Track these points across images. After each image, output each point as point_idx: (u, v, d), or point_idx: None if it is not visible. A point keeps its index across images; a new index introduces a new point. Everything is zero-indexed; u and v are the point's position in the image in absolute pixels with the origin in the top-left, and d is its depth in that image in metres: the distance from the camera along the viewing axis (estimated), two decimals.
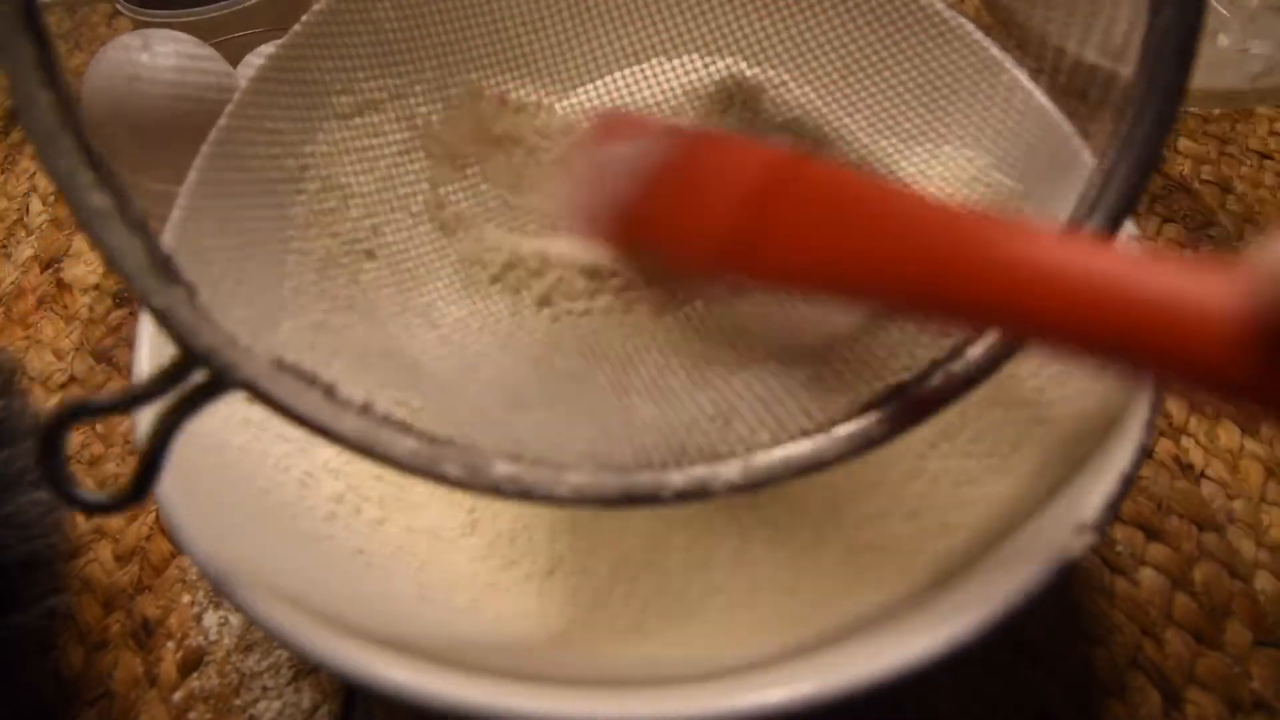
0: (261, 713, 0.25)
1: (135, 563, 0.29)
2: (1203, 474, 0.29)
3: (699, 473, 0.18)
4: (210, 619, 0.27)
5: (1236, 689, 0.24)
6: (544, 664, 0.21)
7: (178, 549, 0.29)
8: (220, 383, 0.17)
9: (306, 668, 0.26)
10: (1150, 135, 0.18)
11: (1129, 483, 0.18)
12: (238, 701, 0.25)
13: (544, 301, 0.27)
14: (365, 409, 0.17)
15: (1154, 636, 0.25)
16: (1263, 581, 0.26)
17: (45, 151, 0.16)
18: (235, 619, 0.27)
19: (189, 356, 0.16)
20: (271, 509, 0.22)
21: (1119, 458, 0.19)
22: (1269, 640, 0.25)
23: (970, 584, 0.18)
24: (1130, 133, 0.18)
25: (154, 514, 0.30)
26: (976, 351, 0.18)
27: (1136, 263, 0.14)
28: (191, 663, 0.26)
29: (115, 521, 0.30)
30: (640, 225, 0.22)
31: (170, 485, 0.19)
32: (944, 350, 0.19)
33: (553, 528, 0.25)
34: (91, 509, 0.18)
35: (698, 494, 0.18)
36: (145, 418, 0.21)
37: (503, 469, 0.17)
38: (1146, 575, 0.27)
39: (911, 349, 0.20)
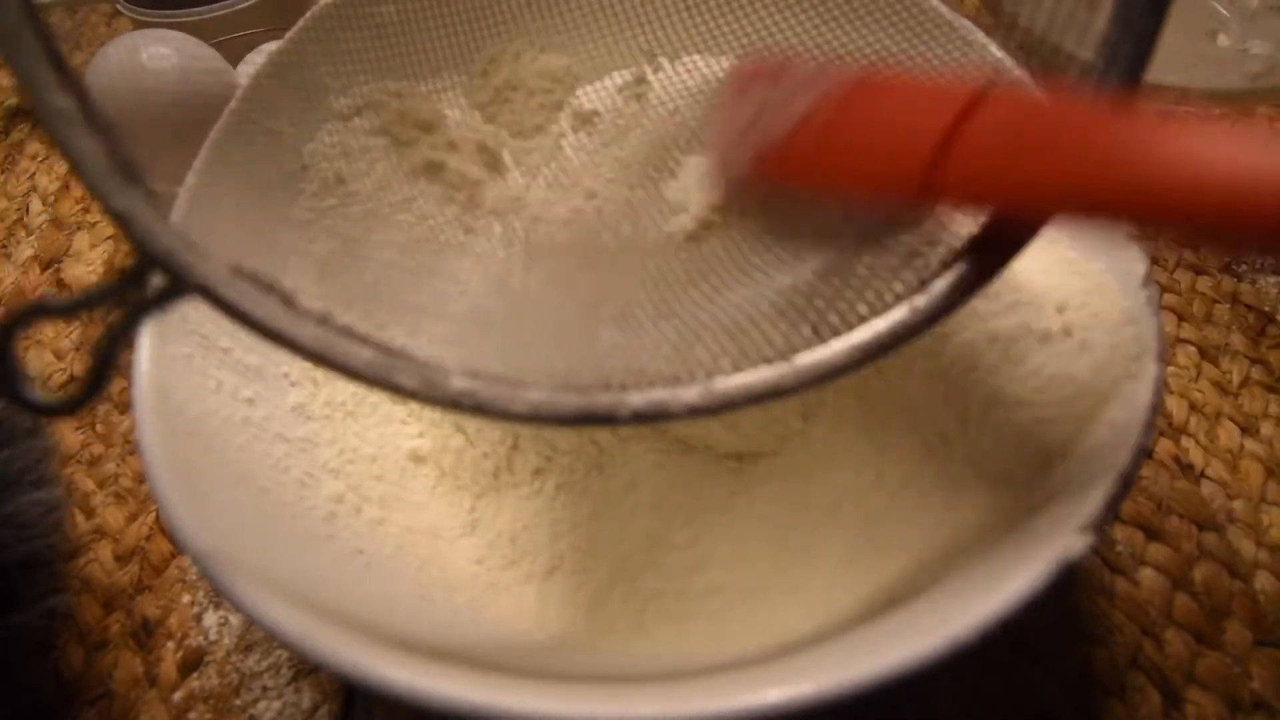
0: (261, 713, 0.25)
1: (135, 563, 0.29)
2: (1203, 474, 0.29)
3: (658, 395, 0.17)
4: (210, 619, 0.27)
5: (1236, 689, 0.24)
6: (544, 664, 0.21)
7: (178, 549, 0.29)
8: (177, 287, 0.16)
9: (306, 668, 0.26)
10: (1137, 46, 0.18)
11: (1129, 483, 0.18)
12: (238, 701, 0.25)
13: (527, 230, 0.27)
14: (324, 319, 0.17)
15: (1154, 636, 0.25)
16: (1263, 581, 0.26)
17: (8, 50, 0.15)
18: (235, 619, 0.27)
19: (146, 259, 0.16)
20: (271, 509, 0.22)
21: (1119, 458, 0.19)
22: (1269, 640, 0.25)
23: (970, 584, 0.18)
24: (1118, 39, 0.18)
25: (154, 514, 0.30)
26: (941, 285, 0.18)
27: None
28: (191, 663, 0.26)
29: (115, 521, 0.30)
30: (804, 163, 0.22)
31: (170, 485, 0.19)
32: (910, 285, 0.19)
33: (553, 528, 0.25)
34: (43, 411, 0.18)
35: (656, 415, 0.17)
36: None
37: (460, 383, 0.17)
38: (1146, 575, 0.27)
39: (874, 285, 0.20)
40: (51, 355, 0.35)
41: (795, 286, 0.21)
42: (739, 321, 0.20)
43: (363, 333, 0.17)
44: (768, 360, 0.18)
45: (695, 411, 0.18)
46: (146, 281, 0.17)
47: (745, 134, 0.22)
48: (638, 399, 0.17)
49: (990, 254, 0.19)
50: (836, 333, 0.19)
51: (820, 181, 0.22)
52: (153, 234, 0.16)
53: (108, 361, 0.17)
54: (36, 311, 0.17)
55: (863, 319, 0.19)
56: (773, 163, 0.22)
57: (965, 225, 0.19)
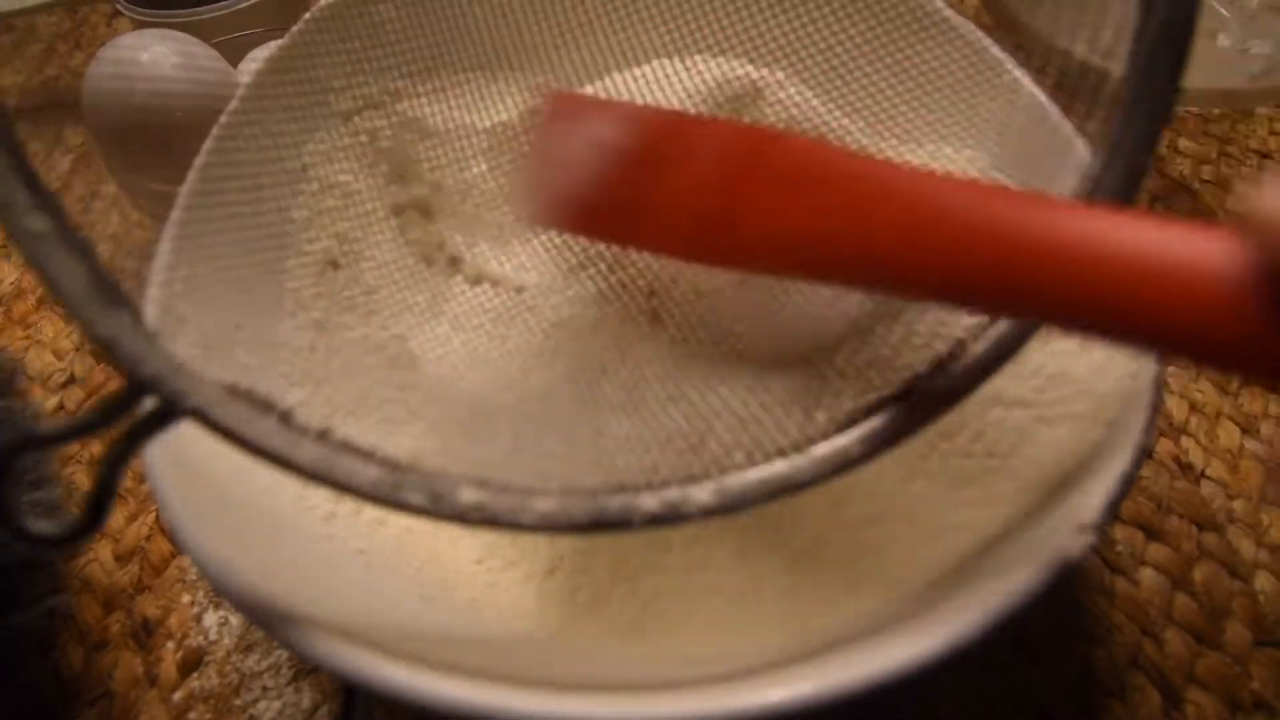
0: (261, 713, 0.25)
1: (135, 563, 0.29)
2: (1203, 474, 0.29)
3: (671, 496, 0.17)
4: (210, 619, 0.27)
5: (1236, 689, 0.24)
6: (544, 664, 0.21)
7: (178, 549, 0.29)
8: (170, 411, 0.16)
9: (306, 668, 0.26)
10: (1141, 137, 0.17)
11: (1129, 483, 0.18)
12: (238, 701, 0.25)
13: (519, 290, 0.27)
14: (323, 435, 0.16)
15: (1154, 636, 0.25)
16: (1263, 581, 0.26)
17: None
18: (235, 619, 0.27)
19: (136, 385, 0.16)
20: (271, 509, 0.22)
21: (1119, 458, 0.19)
22: (1269, 640, 0.25)
23: (970, 584, 0.18)
24: (1120, 135, 0.18)
25: (154, 514, 0.30)
26: (958, 366, 0.18)
27: (1126, 227, 0.13)
28: (191, 663, 0.26)
29: (115, 521, 0.30)
30: (602, 211, 0.20)
31: (170, 485, 0.19)
32: (922, 367, 0.19)
33: None
34: (42, 544, 0.17)
35: (669, 518, 0.17)
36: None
37: (468, 496, 0.16)
38: (1146, 575, 0.27)
39: (889, 366, 0.19)
40: (52, 355, 0.35)
41: (809, 361, 0.20)
42: (751, 408, 0.20)
43: (366, 448, 0.17)
44: (783, 453, 0.18)
45: (709, 512, 0.17)
46: (138, 405, 0.16)
47: (554, 179, 0.21)
48: (651, 502, 0.17)
49: (1012, 327, 0.18)
50: (853, 420, 0.18)
51: (616, 233, 0.21)
52: (142, 360, 0.16)
53: (108, 489, 0.16)
54: (26, 443, 0.16)
55: (879, 405, 0.18)
56: (581, 215, 0.21)
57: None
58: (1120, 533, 0.28)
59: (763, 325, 0.23)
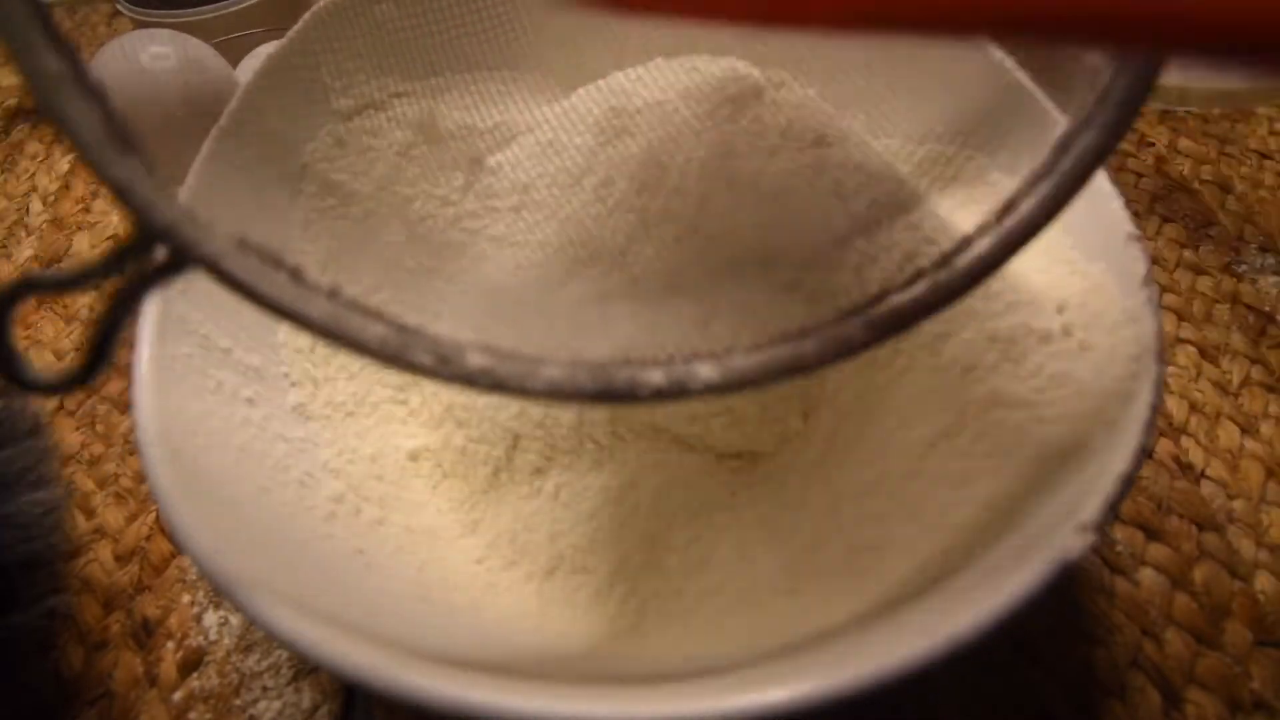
0: (261, 713, 0.25)
1: (135, 563, 0.29)
2: (1203, 474, 0.29)
3: (677, 371, 0.17)
4: (210, 619, 0.27)
5: (1236, 689, 0.24)
6: (544, 664, 0.21)
7: (178, 549, 0.29)
8: (179, 261, 0.16)
9: (306, 668, 0.26)
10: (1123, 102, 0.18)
11: (1129, 483, 0.18)
12: (238, 701, 0.25)
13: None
14: (333, 293, 0.16)
15: (1154, 636, 0.25)
16: (1263, 581, 0.26)
17: None
18: (235, 619, 0.27)
19: (146, 232, 0.15)
20: (271, 509, 0.22)
21: (1119, 458, 0.19)
22: (1269, 640, 0.25)
23: (970, 584, 0.18)
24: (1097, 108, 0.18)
25: (154, 514, 0.30)
26: (964, 260, 0.18)
27: None
28: (191, 663, 0.26)
29: (115, 521, 0.30)
30: None
31: (170, 485, 0.19)
32: (930, 259, 0.19)
33: (553, 528, 0.25)
34: (41, 389, 0.17)
35: (674, 393, 0.17)
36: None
37: (476, 360, 0.16)
38: (1146, 575, 0.27)
39: (895, 260, 0.19)
40: (52, 355, 0.35)
41: (812, 257, 0.20)
42: (755, 295, 0.19)
43: (373, 308, 0.17)
44: (787, 337, 0.18)
45: (714, 388, 0.17)
46: (147, 256, 0.16)
47: None
48: (657, 376, 0.17)
49: (1010, 230, 0.18)
50: (856, 309, 0.18)
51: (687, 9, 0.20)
52: (153, 206, 0.15)
53: (110, 335, 0.16)
54: (26, 287, 0.16)
55: (883, 294, 0.18)
56: None
57: (985, 206, 0.19)
58: (1120, 533, 0.28)
59: (764, 224, 0.23)
